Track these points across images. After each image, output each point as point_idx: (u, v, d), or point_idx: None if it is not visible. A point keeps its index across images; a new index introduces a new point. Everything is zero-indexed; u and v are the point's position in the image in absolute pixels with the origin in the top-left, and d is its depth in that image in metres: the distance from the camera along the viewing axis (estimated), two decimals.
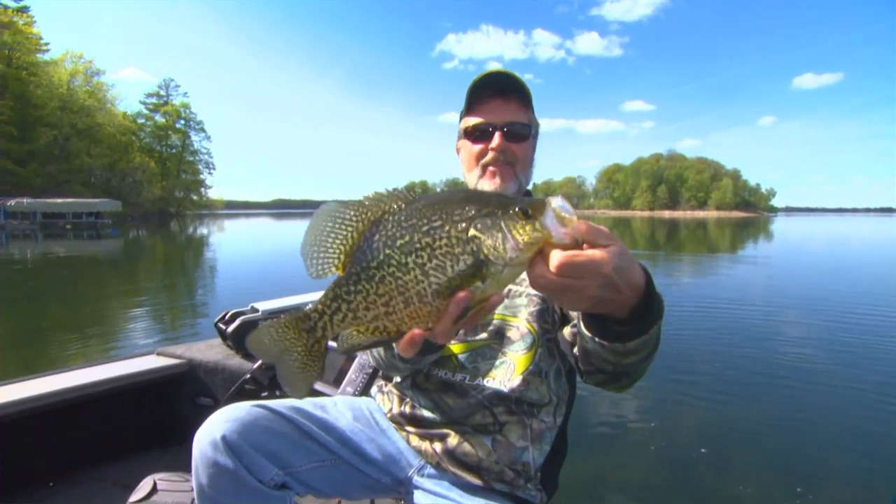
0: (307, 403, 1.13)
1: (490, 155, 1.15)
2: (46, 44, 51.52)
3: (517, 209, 0.57)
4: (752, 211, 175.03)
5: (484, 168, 1.17)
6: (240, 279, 10.43)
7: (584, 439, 3.22)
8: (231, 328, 2.01)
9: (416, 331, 0.61)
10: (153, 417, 2.08)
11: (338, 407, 1.17)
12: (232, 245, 23.09)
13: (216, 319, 2.11)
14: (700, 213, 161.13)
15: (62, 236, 27.48)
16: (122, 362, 2.05)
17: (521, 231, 0.56)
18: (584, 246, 0.56)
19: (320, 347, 0.64)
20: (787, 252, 20.19)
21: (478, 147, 1.16)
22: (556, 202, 0.56)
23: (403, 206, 0.60)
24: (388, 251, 0.59)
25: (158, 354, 2.14)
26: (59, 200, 38.63)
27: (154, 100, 69.00)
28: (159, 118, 67.97)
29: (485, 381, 1.07)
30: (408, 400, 1.14)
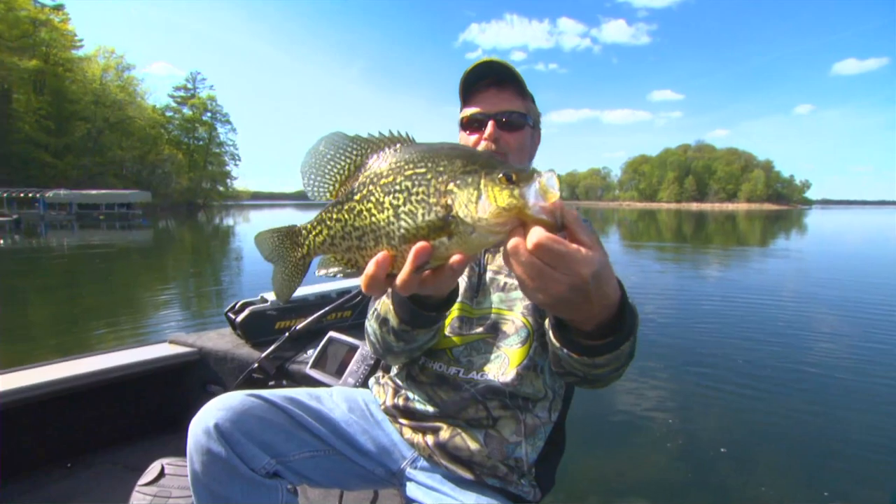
0: (302, 394, 1.13)
1: (483, 145, 1.13)
2: (80, 40, 53.15)
3: (502, 173, 0.55)
4: (784, 203, 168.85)
5: None
6: (257, 269, 10.49)
7: (597, 434, 3.16)
8: (240, 318, 2.05)
9: (374, 268, 0.60)
10: (165, 403, 2.15)
11: (333, 398, 1.17)
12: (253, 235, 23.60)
13: (227, 309, 2.16)
14: (729, 206, 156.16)
15: (96, 226, 28.54)
16: (135, 349, 2.12)
17: (497, 194, 0.54)
18: (567, 234, 0.54)
19: (305, 263, 0.69)
20: (821, 246, 19.39)
21: (473, 137, 1.14)
22: (545, 175, 0.54)
23: (400, 147, 0.61)
24: (371, 187, 0.60)
25: (171, 342, 2.20)
26: (94, 192, 40.06)
27: (182, 93, 70.57)
28: (187, 111, 69.50)
29: (479, 374, 1.06)
30: (402, 392, 1.14)
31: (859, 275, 10.66)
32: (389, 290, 0.89)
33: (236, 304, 2.16)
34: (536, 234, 0.52)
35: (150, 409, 2.12)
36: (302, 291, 2.28)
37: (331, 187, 0.64)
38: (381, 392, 1.20)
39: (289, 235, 0.68)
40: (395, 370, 1.19)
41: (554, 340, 0.74)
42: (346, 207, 0.62)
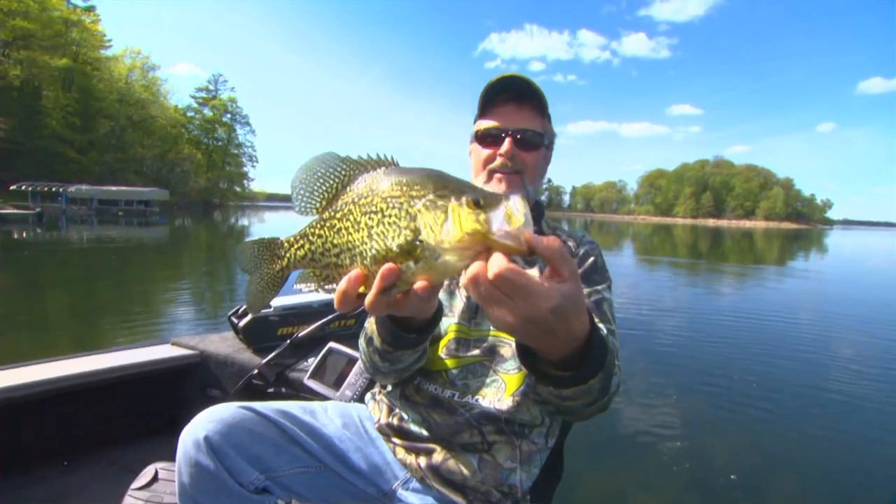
0: (296, 407, 1.11)
1: (498, 161, 1.12)
2: (109, 40, 54.60)
3: (469, 198, 0.55)
4: (804, 222, 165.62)
5: (491, 174, 1.14)
6: None
7: (598, 455, 3.08)
8: (243, 323, 2.04)
9: (346, 285, 0.61)
10: (164, 405, 2.14)
11: (328, 413, 1.15)
12: (268, 235, 23.84)
13: (230, 313, 2.15)
14: (747, 223, 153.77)
15: (115, 222, 29.11)
16: (138, 349, 2.12)
17: (463, 219, 0.54)
18: (540, 264, 0.55)
19: (283, 276, 0.70)
20: (841, 267, 18.92)
21: (487, 151, 1.13)
22: (511, 200, 0.54)
23: (384, 170, 0.63)
24: (351, 206, 0.62)
25: (173, 344, 2.19)
26: (114, 188, 40.90)
27: (203, 94, 71.90)
28: (207, 112, 70.74)
29: (474, 399, 1.04)
30: (396, 412, 1.12)
31: (879, 298, 10.36)
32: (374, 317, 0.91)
33: (240, 308, 2.15)
34: (496, 263, 0.51)
35: (149, 410, 2.12)
36: (306, 298, 2.26)
37: (317, 204, 0.65)
38: (377, 409, 1.17)
39: (270, 247, 0.70)
40: (389, 387, 1.17)
41: (522, 365, 0.74)
42: (327, 224, 0.63)
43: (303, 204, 0.65)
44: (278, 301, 2.19)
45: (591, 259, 1.14)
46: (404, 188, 0.59)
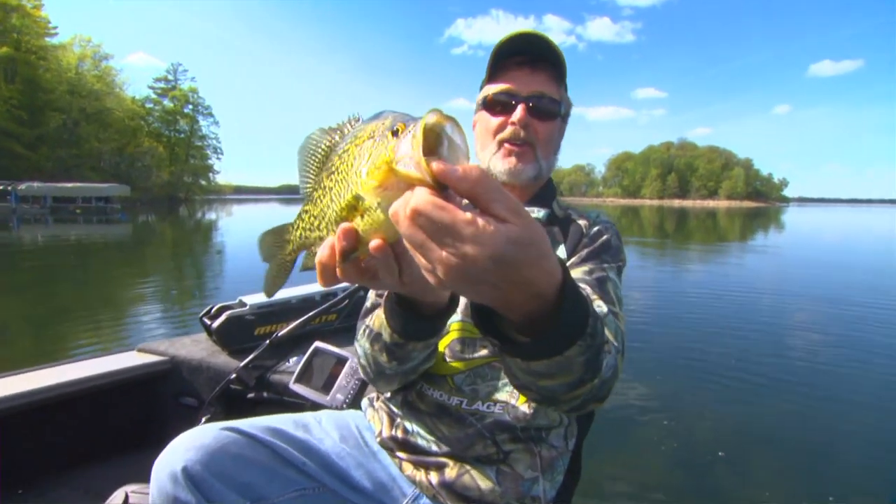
0: (287, 422, 0.99)
1: (509, 130, 1.00)
2: (55, 27, 51.36)
3: (389, 127, 0.47)
4: (763, 201, 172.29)
5: (500, 144, 1.02)
6: (238, 269, 9.99)
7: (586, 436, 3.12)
8: (217, 324, 1.91)
9: (319, 256, 0.55)
10: (132, 418, 1.98)
11: (322, 425, 1.03)
12: (237, 231, 23.15)
13: (202, 314, 2.02)
14: (710, 203, 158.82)
15: (72, 221, 27.65)
16: (100, 359, 1.94)
17: (375, 151, 0.47)
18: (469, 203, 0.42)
19: (291, 259, 0.67)
20: (798, 243, 19.84)
21: (497, 120, 1.01)
22: (431, 118, 0.42)
23: (349, 128, 0.58)
24: (323, 174, 0.57)
25: (139, 351, 2.02)
26: (69, 185, 38.86)
27: (162, 84, 68.82)
28: (167, 103, 67.87)
29: (485, 406, 0.94)
30: (399, 422, 1.00)
31: (836, 271, 10.88)
32: (383, 301, 0.79)
33: (212, 307, 2.00)
34: (415, 198, 0.41)
35: (116, 425, 1.94)
36: (283, 294, 2.17)
37: (310, 181, 0.61)
38: (377, 419, 1.05)
39: (280, 233, 0.68)
40: (388, 393, 1.06)
41: (476, 327, 0.58)
42: (309, 197, 0.60)
43: (303, 185, 0.62)
44: (254, 298, 2.09)
45: (605, 237, 1.03)
46: (355, 139, 0.52)
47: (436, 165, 0.40)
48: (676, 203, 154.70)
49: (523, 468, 0.92)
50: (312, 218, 0.59)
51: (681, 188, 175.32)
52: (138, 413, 1.98)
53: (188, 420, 1.76)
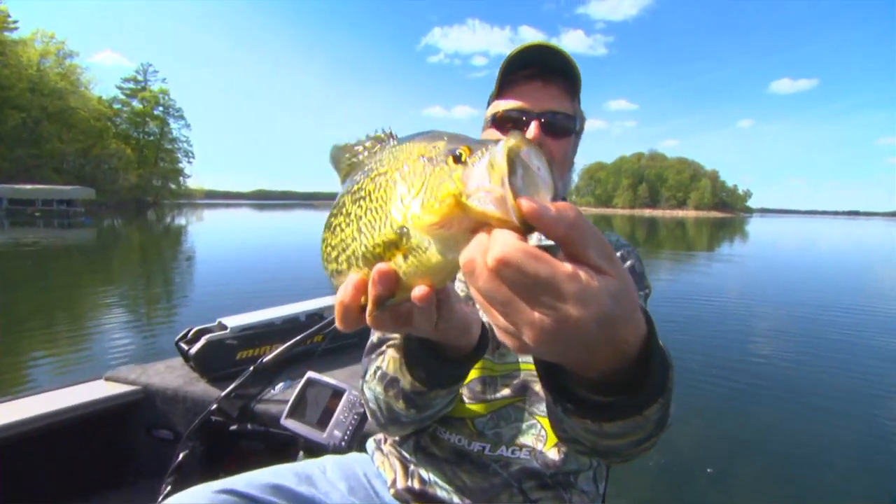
0: (289, 475, 0.90)
1: None
2: (14, 21, 49.14)
3: (450, 151, 0.39)
4: (729, 211, 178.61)
5: None
6: (214, 284, 9.29)
7: None
8: (195, 349, 1.81)
9: (343, 295, 0.46)
10: (102, 454, 1.83)
11: (327, 476, 0.94)
12: (209, 237, 22.51)
13: (177, 338, 1.90)
14: (679, 213, 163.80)
15: (31, 224, 26.38)
16: (62, 391, 1.77)
17: (437, 181, 0.38)
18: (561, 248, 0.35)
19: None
20: (761, 252, 20.64)
21: None
22: (498, 145, 0.36)
23: (379, 146, 0.50)
24: (344, 198, 0.49)
25: (107, 379, 1.87)
26: (28, 186, 37.11)
27: (131, 85, 66.59)
28: (136, 104, 65.71)
29: (510, 451, 0.86)
30: (413, 470, 0.90)
31: (797, 280, 11.32)
32: (398, 342, 0.70)
33: (189, 331, 1.90)
34: (500, 245, 0.33)
35: (83, 461, 1.79)
36: (266, 316, 2.10)
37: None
38: (387, 466, 0.95)
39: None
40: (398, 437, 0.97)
41: (542, 387, 0.52)
42: (327, 223, 0.51)
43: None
44: (234, 320, 2.01)
45: (628, 263, 0.97)
46: (392, 159, 0.44)
47: (525, 204, 0.33)
48: (647, 213, 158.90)
49: None
50: (330, 248, 0.50)
51: (651, 198, 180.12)
52: (107, 448, 1.83)
53: (164, 454, 1.64)
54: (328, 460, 1.01)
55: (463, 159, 0.37)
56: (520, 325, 0.35)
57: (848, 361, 5.02)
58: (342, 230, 0.48)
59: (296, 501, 0.84)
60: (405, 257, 0.41)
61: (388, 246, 0.42)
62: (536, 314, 0.34)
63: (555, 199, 0.35)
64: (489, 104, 1.00)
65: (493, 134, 0.97)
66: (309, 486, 0.88)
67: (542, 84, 0.92)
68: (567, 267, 0.33)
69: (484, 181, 0.35)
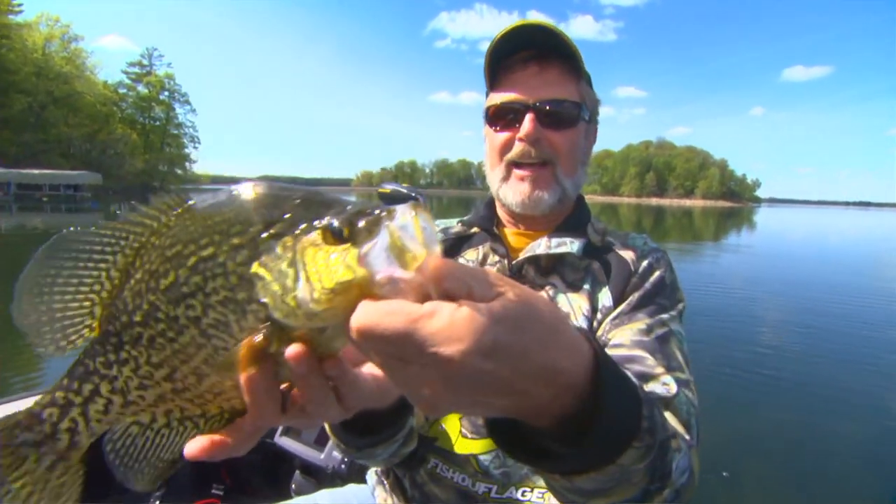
0: None
1: (517, 148, 0.81)
2: (19, 4, 49.05)
3: (324, 224, 0.35)
4: (737, 201, 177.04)
5: (508, 167, 0.84)
6: None
7: None
8: None
9: (255, 405, 0.37)
10: (88, 464, 1.76)
11: None
12: None
13: None
14: (687, 202, 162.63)
15: (39, 209, 26.64)
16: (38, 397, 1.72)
17: (323, 265, 0.33)
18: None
19: (69, 464, 0.41)
20: (769, 242, 20.52)
21: (502, 136, 0.83)
22: (399, 218, 0.33)
23: (175, 219, 0.39)
24: (151, 297, 0.38)
25: None
26: (36, 171, 37.30)
27: (137, 69, 66.59)
28: (142, 89, 65.76)
29: (520, 492, 0.76)
30: None
31: (805, 272, 11.27)
32: None
33: None
34: (357, 316, 0.31)
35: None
36: None
37: (86, 318, 0.39)
38: (388, 501, 0.88)
39: (10, 435, 0.39)
40: (397, 469, 0.90)
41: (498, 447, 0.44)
42: (127, 339, 0.38)
43: (57, 333, 0.39)
44: None
45: (657, 274, 0.82)
46: (217, 236, 0.37)
47: (438, 276, 0.31)
48: (654, 201, 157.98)
49: None
50: (152, 369, 0.38)
51: (658, 187, 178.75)
52: (95, 459, 1.77)
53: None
54: (324, 495, 0.93)
55: (345, 235, 0.33)
56: (414, 388, 0.32)
57: (861, 354, 4.98)
58: (172, 341, 0.37)
59: None
60: (285, 346, 0.35)
61: (263, 344, 0.35)
62: (415, 369, 0.30)
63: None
64: (487, 96, 0.90)
65: (489, 132, 0.87)
66: None
67: (538, 69, 0.81)
68: (423, 307, 0.30)
69: (392, 266, 0.31)
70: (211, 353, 0.37)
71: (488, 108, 0.86)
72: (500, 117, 0.84)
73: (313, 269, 0.33)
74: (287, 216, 0.36)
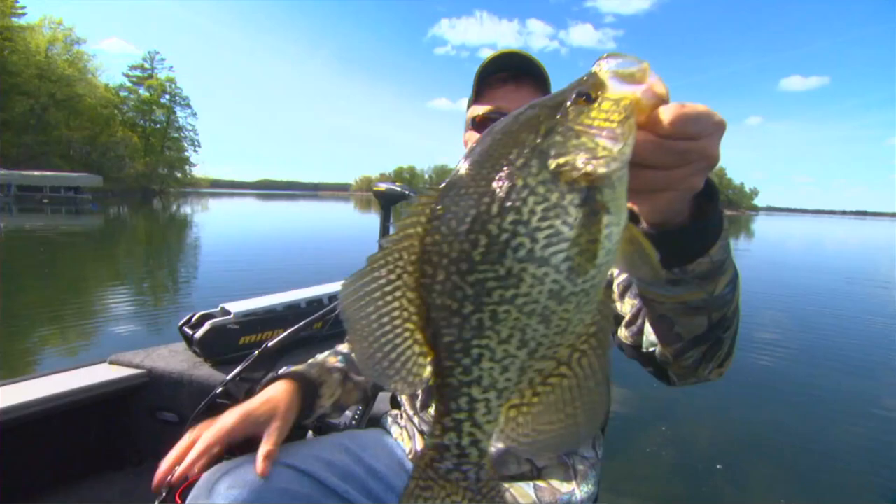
0: (325, 446, 0.94)
1: None
2: (22, 7, 49.27)
3: (574, 99, 0.39)
4: (735, 209, 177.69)
5: None
6: (217, 271, 9.42)
7: None
8: (200, 333, 1.84)
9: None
10: (106, 437, 1.84)
11: (357, 447, 0.98)
12: (213, 226, 22.61)
13: (181, 322, 1.92)
14: None
15: (39, 210, 26.66)
16: (68, 373, 1.78)
17: (603, 116, 0.38)
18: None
19: (487, 470, 0.43)
20: (767, 250, 20.56)
21: None
22: (607, 63, 0.40)
23: (439, 204, 0.39)
24: (471, 277, 0.37)
25: (111, 363, 1.88)
26: (37, 173, 37.37)
27: (138, 73, 66.65)
28: (143, 92, 65.83)
29: None
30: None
31: (804, 280, 11.30)
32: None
33: (193, 316, 1.92)
34: (669, 111, 0.39)
35: (88, 444, 1.81)
36: (269, 301, 2.13)
37: (414, 344, 0.41)
38: (405, 436, 1.05)
39: (426, 473, 0.44)
40: (407, 407, 1.08)
41: (663, 272, 0.45)
42: (469, 336, 0.39)
43: (399, 367, 0.41)
44: (237, 306, 2.03)
45: None
46: (502, 174, 0.37)
47: (659, 88, 0.41)
48: None
49: (559, 482, 0.93)
50: (505, 345, 0.38)
51: None
52: (111, 431, 1.85)
53: (168, 436, 1.65)
54: (354, 434, 1.06)
55: (593, 96, 0.39)
56: (698, 158, 0.42)
57: (856, 359, 5.04)
58: (513, 300, 0.37)
59: (331, 470, 0.88)
60: (608, 210, 0.37)
61: (590, 222, 0.37)
62: (704, 144, 0.42)
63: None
64: (468, 108, 1.08)
65: (472, 137, 1.02)
66: (342, 455, 0.93)
67: (514, 87, 1.00)
68: (699, 105, 0.41)
69: (631, 85, 0.39)
70: (553, 277, 0.36)
71: (474, 118, 1.03)
72: (484, 124, 1.00)
73: (598, 120, 0.38)
74: (542, 115, 0.39)
